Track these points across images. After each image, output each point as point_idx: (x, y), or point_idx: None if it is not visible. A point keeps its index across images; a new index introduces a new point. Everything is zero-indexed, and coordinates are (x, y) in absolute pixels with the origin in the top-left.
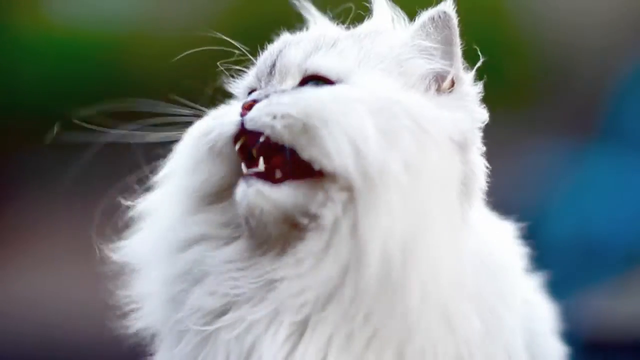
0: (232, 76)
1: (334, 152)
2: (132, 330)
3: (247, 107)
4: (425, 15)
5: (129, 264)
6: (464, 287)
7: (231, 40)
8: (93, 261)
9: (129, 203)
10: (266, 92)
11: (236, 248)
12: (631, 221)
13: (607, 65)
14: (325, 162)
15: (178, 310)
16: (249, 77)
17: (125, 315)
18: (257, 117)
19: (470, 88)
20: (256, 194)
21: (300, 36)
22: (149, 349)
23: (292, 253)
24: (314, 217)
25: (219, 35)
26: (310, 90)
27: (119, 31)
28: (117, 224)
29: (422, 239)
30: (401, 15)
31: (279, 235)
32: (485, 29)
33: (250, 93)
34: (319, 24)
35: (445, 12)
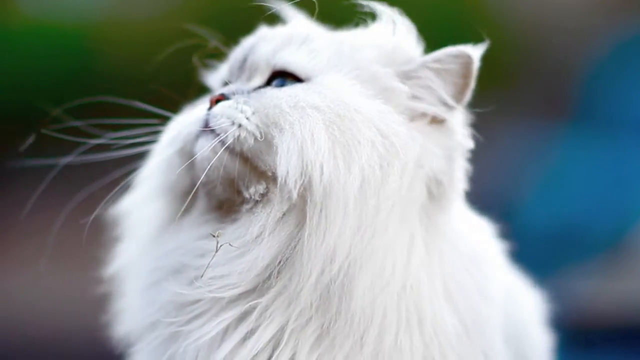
0: (208, 67)
1: (283, 162)
2: (116, 332)
3: (215, 101)
4: (447, 52)
5: (116, 274)
6: (437, 289)
7: (204, 33)
8: (78, 261)
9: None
10: (235, 89)
11: (197, 210)
12: (608, 204)
13: (580, 48)
14: (275, 169)
15: (151, 305)
16: (224, 70)
17: (110, 317)
18: (219, 117)
19: (460, 120)
20: (211, 149)
21: (274, 31)
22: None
23: (234, 227)
24: (252, 199)
25: (195, 27)
26: (271, 94)
27: (91, 20)
28: (100, 223)
29: (370, 253)
30: (407, 28)
31: (227, 200)
32: (457, 13)
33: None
34: (295, 20)
35: (469, 57)
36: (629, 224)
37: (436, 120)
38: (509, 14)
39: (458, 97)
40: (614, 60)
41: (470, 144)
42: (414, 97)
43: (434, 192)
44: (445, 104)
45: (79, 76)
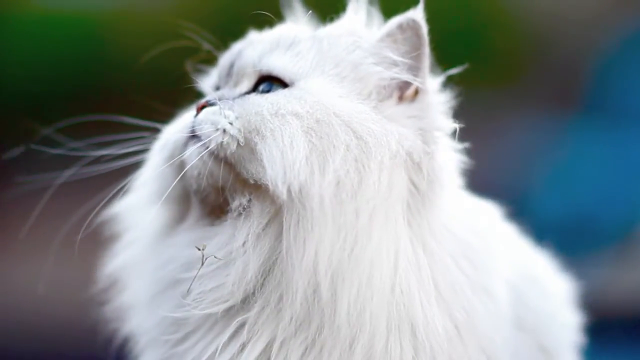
0: (202, 71)
1: (268, 166)
2: (120, 333)
3: (200, 108)
4: (393, 23)
5: (115, 275)
6: (427, 291)
7: (204, 37)
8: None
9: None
10: (220, 95)
11: (191, 217)
12: (619, 195)
13: (592, 40)
14: (261, 175)
15: (150, 319)
16: (214, 75)
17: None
18: (203, 123)
19: (434, 97)
20: (198, 156)
21: (262, 36)
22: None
23: (221, 231)
24: (236, 211)
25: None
26: (253, 101)
27: (103, 9)
28: (97, 224)
29: (354, 262)
30: (376, 16)
31: (220, 205)
32: (470, 4)
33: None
34: (284, 23)
35: (414, 21)
36: (639, 215)
37: (407, 97)
38: (520, 6)
39: (417, 62)
40: (626, 53)
41: (449, 126)
42: (381, 73)
43: (417, 182)
44: (410, 72)
45: (91, 66)
